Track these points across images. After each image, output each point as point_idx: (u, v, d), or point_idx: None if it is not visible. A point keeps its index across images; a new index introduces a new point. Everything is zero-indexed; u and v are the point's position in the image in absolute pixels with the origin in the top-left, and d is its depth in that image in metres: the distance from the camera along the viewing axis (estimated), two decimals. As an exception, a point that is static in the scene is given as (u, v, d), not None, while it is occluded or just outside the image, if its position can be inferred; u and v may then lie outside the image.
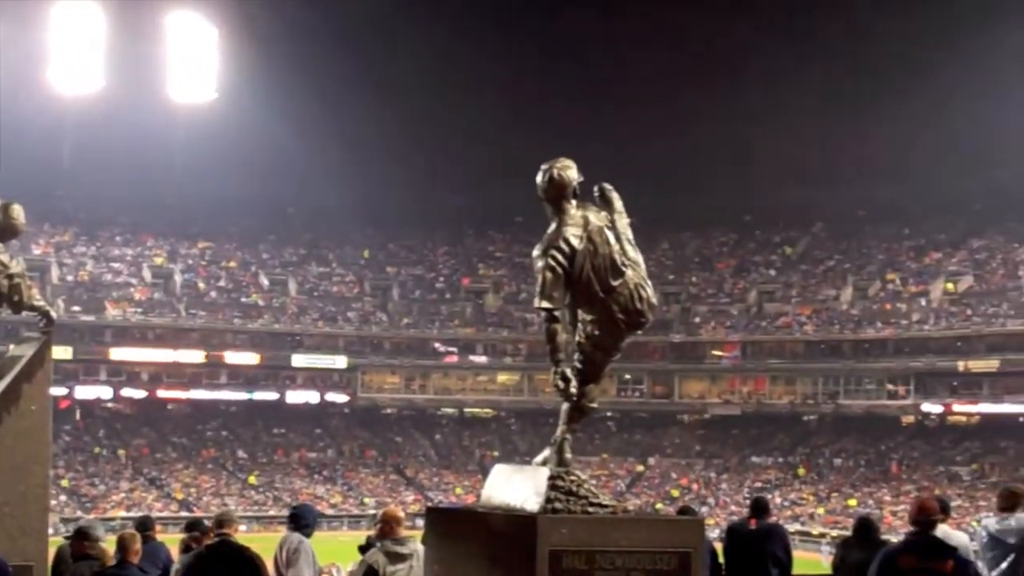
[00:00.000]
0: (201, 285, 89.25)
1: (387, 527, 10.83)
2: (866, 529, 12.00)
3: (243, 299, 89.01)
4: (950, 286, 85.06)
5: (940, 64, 78.31)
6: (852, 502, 73.50)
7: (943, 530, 11.62)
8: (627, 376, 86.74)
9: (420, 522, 10.75)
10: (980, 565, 11.23)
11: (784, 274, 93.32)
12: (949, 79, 79.02)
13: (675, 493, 78.49)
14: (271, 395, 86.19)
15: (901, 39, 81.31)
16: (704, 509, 70.30)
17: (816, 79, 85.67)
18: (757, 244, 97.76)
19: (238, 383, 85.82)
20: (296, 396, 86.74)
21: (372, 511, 67.15)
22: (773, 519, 14.77)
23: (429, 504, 61.84)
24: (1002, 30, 74.11)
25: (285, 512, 70.94)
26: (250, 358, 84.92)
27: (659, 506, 73.24)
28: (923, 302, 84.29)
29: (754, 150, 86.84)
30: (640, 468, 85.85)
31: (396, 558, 10.53)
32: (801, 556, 40.96)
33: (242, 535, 11.58)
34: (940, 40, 78.15)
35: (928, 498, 10.23)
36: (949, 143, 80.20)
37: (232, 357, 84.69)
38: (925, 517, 9.19)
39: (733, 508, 70.28)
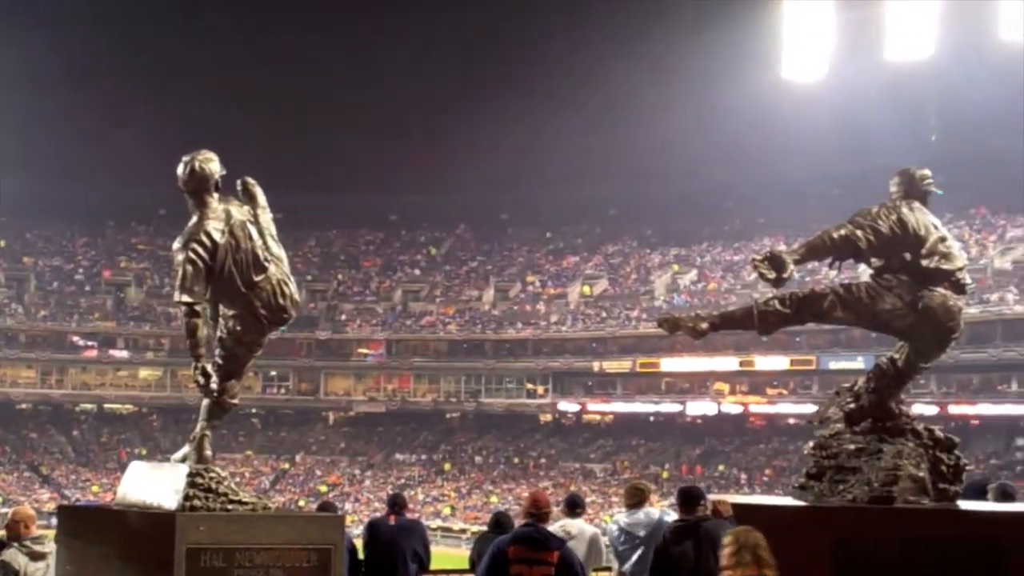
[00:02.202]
0: None
1: (19, 527, 10.41)
2: (500, 524, 12.27)
3: None
4: (586, 289, 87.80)
5: (581, 73, 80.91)
6: (493, 498, 74.96)
7: (577, 524, 12.02)
8: (273, 373, 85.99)
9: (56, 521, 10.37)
10: (612, 557, 11.68)
11: (429, 274, 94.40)
12: (589, 88, 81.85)
13: (323, 489, 78.29)
14: None
15: (544, 43, 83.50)
16: (349, 506, 70.46)
17: (460, 83, 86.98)
18: (403, 244, 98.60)
19: None
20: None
21: (4, 510, 64.24)
22: (416, 515, 14.98)
23: (63, 502, 59.72)
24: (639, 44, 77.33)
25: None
26: None
27: (302, 503, 72.88)
28: (561, 304, 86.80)
29: (400, 151, 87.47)
30: (285, 465, 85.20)
31: (36, 556, 10.17)
32: (442, 551, 41.61)
33: None
34: (579, 49, 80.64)
35: (541, 492, 10.55)
36: (587, 150, 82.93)
37: None
38: (538, 510, 9.47)
39: (377, 505, 70.57)
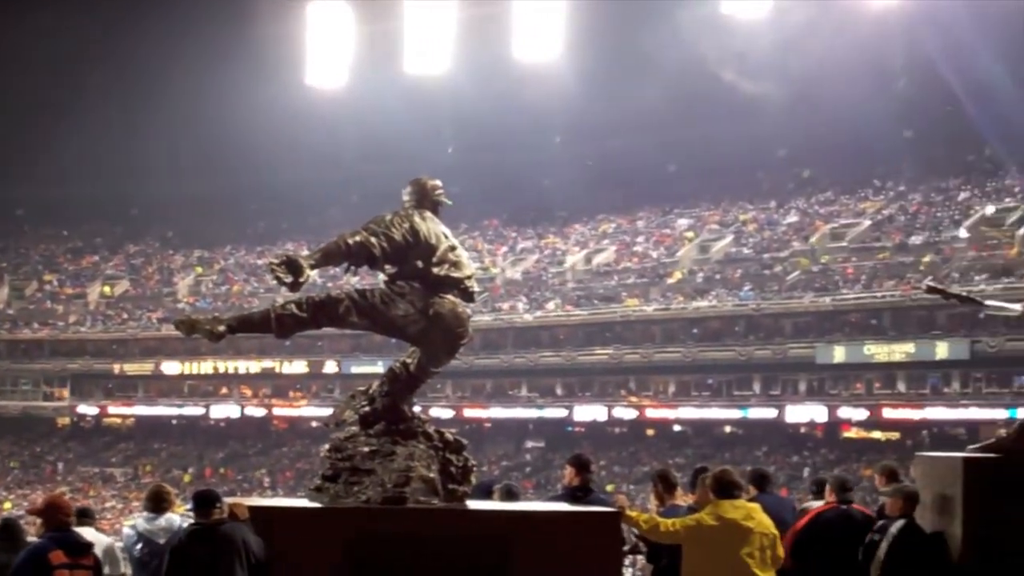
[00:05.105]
0: None
1: None
2: (10, 530, 11.80)
3: None
4: (107, 289, 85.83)
5: (104, 68, 78.88)
6: (7, 505, 71.58)
7: (91, 532, 11.71)
8: None
9: None
10: (127, 564, 11.42)
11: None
12: (110, 84, 79.90)
13: None
14: None
15: (71, 36, 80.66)
16: None
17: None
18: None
19: None
20: None
21: None
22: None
23: None
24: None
25: None
26: None
27: None
28: (80, 304, 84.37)
29: None
30: None
31: None
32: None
33: None
34: (100, 44, 78.69)
35: (62, 496, 10.29)
36: (108, 147, 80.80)
37: None
38: (66, 515, 9.29)
39: None
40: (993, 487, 9.60)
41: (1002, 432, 10.40)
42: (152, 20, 77.92)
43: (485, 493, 11.23)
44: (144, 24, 78.43)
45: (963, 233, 59.36)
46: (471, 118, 72.62)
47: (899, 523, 9.71)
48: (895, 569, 9.60)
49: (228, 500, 9.43)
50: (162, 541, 10.59)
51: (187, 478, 71.67)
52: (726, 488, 9.54)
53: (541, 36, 71.96)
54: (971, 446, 10.50)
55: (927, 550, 9.61)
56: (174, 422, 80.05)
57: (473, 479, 9.86)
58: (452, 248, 9.48)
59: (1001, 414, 49.57)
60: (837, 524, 10.28)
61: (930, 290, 11.90)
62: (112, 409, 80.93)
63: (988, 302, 11.99)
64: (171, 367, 78.08)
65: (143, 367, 79.21)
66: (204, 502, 9.33)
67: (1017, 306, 10.77)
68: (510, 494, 11.51)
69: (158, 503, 11.16)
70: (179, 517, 11.09)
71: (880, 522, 10.07)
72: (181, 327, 9.29)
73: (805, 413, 60.03)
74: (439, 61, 74.70)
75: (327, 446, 9.72)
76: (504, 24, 72.83)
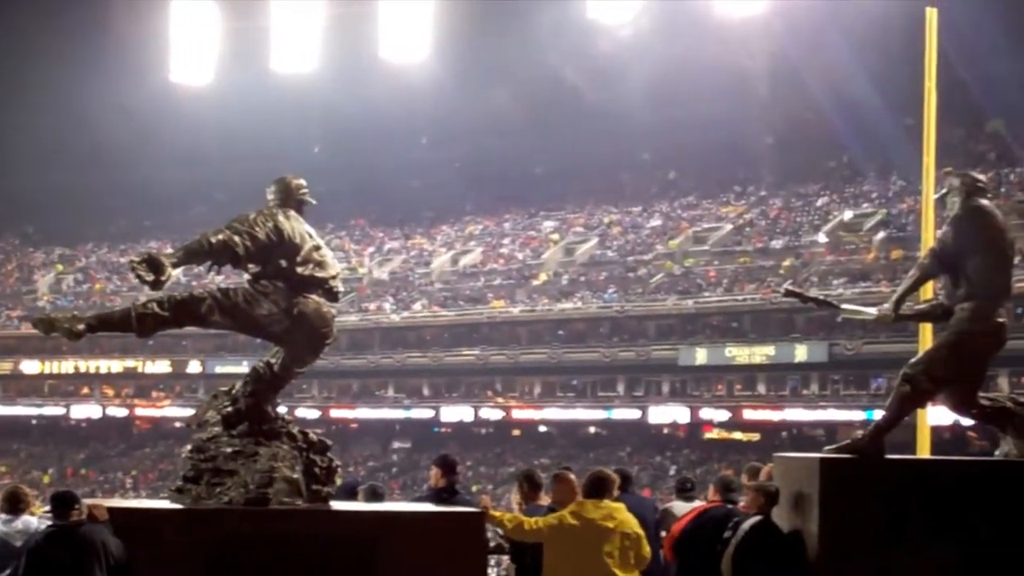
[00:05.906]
0: None
1: None
2: None
3: None
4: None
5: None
6: None
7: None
8: None
9: None
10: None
11: None
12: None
13: None
14: None
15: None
16: None
17: None
18: None
19: None
20: None
21: None
22: None
23: None
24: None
25: None
26: None
27: None
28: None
29: None
30: None
31: None
32: None
33: None
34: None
35: None
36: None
37: None
38: None
39: None
40: (849, 487, 9.79)
41: (859, 433, 10.55)
42: (12, 11, 76.47)
43: (349, 494, 11.22)
44: (3, 15, 76.85)
45: (822, 238, 60.61)
46: (338, 117, 72.54)
47: (753, 520, 9.85)
48: (745, 564, 9.73)
49: (88, 501, 9.29)
50: (19, 543, 10.40)
51: (47, 479, 70.33)
52: (594, 489, 9.66)
53: (408, 37, 71.86)
54: (828, 447, 10.67)
55: (780, 548, 9.76)
56: (34, 422, 78.86)
57: (337, 480, 9.84)
58: (317, 248, 9.43)
59: (858, 415, 50.42)
60: (721, 522, 10.44)
61: (789, 294, 12.07)
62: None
63: (845, 306, 12.19)
64: (31, 366, 77.06)
65: (2, 366, 78.09)
66: (62, 503, 9.18)
67: (873, 310, 10.97)
68: (374, 495, 11.50)
69: (15, 504, 10.96)
70: (36, 519, 10.89)
71: (735, 519, 10.23)
72: (40, 325, 9.14)
73: (668, 414, 60.75)
74: (306, 60, 74.23)
75: (189, 447, 9.62)
76: (372, 24, 72.59)
